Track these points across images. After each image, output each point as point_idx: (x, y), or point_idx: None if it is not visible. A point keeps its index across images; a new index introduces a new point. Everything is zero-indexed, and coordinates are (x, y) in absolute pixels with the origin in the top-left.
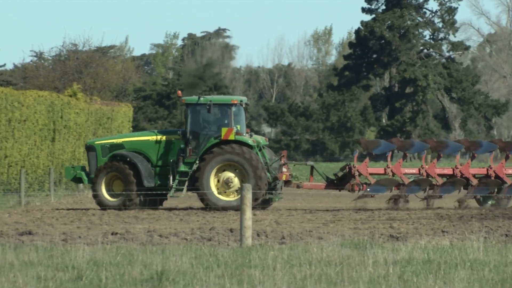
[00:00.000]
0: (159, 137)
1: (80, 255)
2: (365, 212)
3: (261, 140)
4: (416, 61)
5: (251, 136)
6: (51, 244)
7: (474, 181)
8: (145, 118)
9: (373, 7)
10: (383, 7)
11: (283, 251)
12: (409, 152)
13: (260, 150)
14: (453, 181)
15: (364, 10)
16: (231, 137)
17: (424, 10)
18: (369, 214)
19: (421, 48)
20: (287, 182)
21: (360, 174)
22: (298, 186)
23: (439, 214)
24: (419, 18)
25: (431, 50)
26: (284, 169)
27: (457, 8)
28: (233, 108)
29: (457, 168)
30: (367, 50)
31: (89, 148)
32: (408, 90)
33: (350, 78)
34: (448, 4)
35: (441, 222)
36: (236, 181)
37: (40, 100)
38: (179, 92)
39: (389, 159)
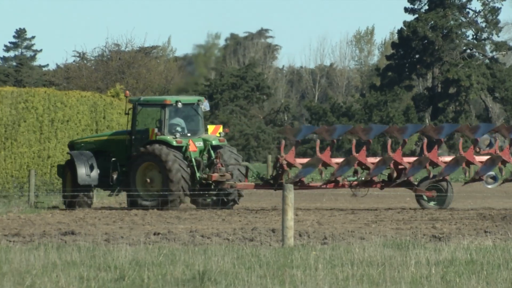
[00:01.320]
0: (120, 136)
1: (122, 255)
2: (407, 212)
3: (213, 140)
4: (459, 61)
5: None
6: (93, 244)
7: (407, 166)
8: None
9: (416, 7)
10: (426, 7)
11: (325, 251)
12: (441, 136)
13: (208, 150)
14: (383, 160)
15: (406, 10)
16: (153, 137)
17: (467, 10)
18: (411, 214)
19: (464, 48)
20: (220, 183)
21: (289, 164)
22: (231, 187)
23: (482, 215)
24: (462, 18)
25: (474, 50)
26: (217, 170)
27: (500, 8)
28: (168, 108)
29: (389, 155)
30: (410, 50)
31: (70, 147)
32: (451, 90)
33: (393, 78)
34: (491, 4)
35: (484, 222)
36: (155, 181)
37: (83, 101)
38: (127, 92)
39: (389, 146)
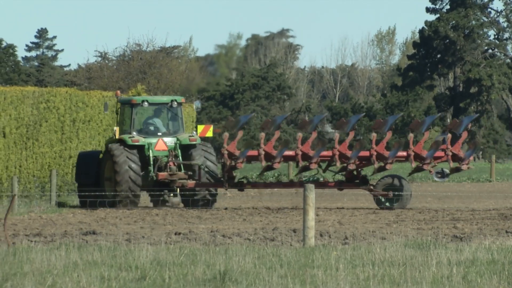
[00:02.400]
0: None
1: (143, 255)
2: (428, 212)
3: (183, 139)
4: (481, 61)
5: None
6: (114, 244)
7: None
8: (208, 119)
9: (437, 6)
10: (448, 6)
11: (346, 251)
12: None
13: (177, 150)
14: (322, 143)
15: (428, 10)
16: (115, 136)
17: (489, 9)
18: (432, 215)
19: (486, 48)
20: (172, 182)
21: (230, 154)
22: (183, 185)
23: (503, 215)
24: (483, 18)
25: (496, 50)
26: (167, 169)
27: None
28: (134, 108)
29: (335, 147)
30: (431, 50)
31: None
32: (473, 90)
33: (414, 78)
34: None
35: (505, 222)
36: (112, 180)
37: (104, 101)
38: (118, 92)
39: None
